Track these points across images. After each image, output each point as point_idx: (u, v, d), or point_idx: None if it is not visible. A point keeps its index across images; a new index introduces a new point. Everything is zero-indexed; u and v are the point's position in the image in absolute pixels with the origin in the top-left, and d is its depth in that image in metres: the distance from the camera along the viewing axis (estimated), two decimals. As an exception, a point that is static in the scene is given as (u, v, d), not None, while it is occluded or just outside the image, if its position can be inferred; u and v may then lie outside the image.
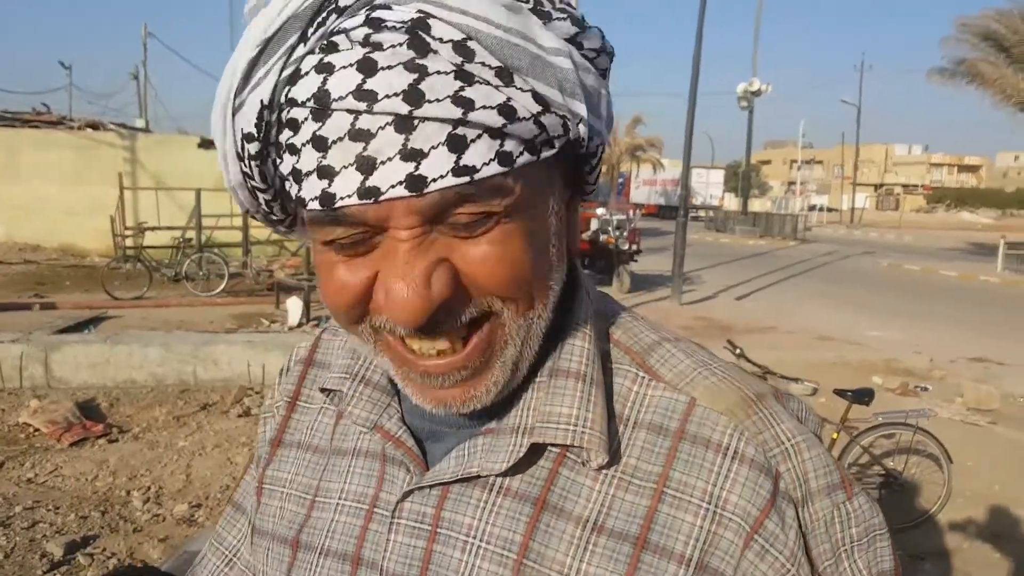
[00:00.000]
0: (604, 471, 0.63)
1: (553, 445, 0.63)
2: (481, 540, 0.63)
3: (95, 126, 19.42)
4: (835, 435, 4.79)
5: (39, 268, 15.18)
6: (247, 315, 10.49)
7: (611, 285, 14.52)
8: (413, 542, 0.65)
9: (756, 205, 56.81)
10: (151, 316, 10.12)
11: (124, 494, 4.78)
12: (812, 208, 57.63)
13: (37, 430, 5.74)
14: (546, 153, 0.57)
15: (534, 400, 0.65)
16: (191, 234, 14.36)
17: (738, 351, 4.89)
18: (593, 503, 0.62)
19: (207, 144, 18.18)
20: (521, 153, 0.54)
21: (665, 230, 31.09)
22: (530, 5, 0.54)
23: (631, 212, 16.30)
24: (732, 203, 51.89)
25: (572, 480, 0.63)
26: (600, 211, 15.68)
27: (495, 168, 0.53)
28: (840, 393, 4.68)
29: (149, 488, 4.86)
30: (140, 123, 24.50)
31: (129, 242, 14.05)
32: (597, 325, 0.68)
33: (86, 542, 4.11)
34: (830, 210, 62.50)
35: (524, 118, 0.53)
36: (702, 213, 48.11)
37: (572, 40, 0.56)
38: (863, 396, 4.57)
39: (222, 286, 12.36)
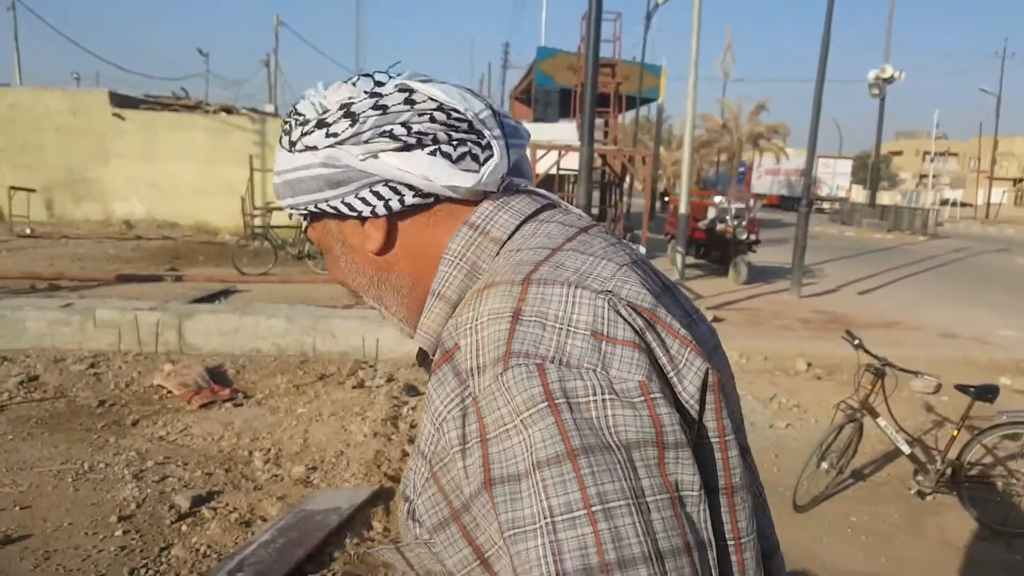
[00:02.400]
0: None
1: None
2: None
3: (228, 110, 20.36)
4: (955, 432, 4.58)
5: (175, 244, 16.08)
6: (364, 293, 10.81)
7: (727, 276, 14.25)
8: None
9: (885, 198, 54.30)
10: (275, 291, 10.58)
11: (246, 454, 5.04)
12: (944, 203, 54.66)
13: (170, 392, 6.12)
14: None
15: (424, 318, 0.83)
16: (314, 215, 14.90)
17: (856, 342, 4.72)
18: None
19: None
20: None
21: (787, 221, 30.20)
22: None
23: (750, 201, 15.90)
24: (860, 195, 49.77)
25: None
26: (717, 199, 15.36)
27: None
28: (962, 389, 4.46)
29: (269, 450, 5.11)
30: (270, 108, 25.49)
31: (257, 221, 14.67)
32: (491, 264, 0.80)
33: (211, 497, 4.36)
34: (964, 205, 59.08)
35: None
36: (827, 205, 46.35)
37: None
38: (987, 393, 4.33)
39: (341, 265, 12.78)
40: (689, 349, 0.69)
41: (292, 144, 0.85)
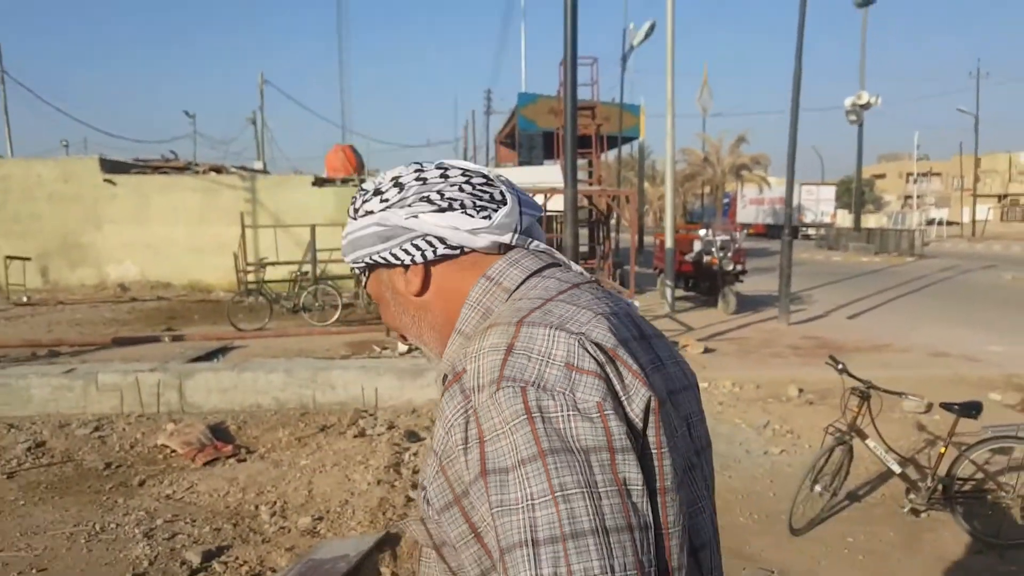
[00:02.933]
0: None
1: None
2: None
3: (218, 170, 20.62)
4: (943, 449, 4.72)
5: (170, 304, 16.21)
6: (360, 343, 10.95)
7: (716, 307, 14.43)
8: None
9: (872, 221, 54.82)
10: (273, 345, 10.70)
11: (253, 508, 5.14)
12: (931, 222, 55.15)
13: (173, 451, 6.22)
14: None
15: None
16: (307, 268, 15.05)
17: (840, 366, 4.86)
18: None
19: (320, 183, 19.06)
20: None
21: (774, 250, 30.36)
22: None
23: (735, 232, 16.15)
24: (845, 220, 50.24)
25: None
26: (702, 232, 15.61)
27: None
28: (947, 407, 4.61)
29: (275, 503, 5.21)
30: (258, 165, 25.79)
31: (251, 277, 14.78)
32: (500, 308, 1.02)
33: (221, 551, 4.46)
34: (950, 224, 59.66)
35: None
36: (813, 231, 46.77)
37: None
38: (970, 409, 4.48)
39: (336, 316, 12.92)
40: (638, 380, 0.88)
41: (356, 211, 1.11)
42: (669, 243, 15.05)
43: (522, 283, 1.03)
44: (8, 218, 18.66)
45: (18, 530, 4.79)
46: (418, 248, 1.06)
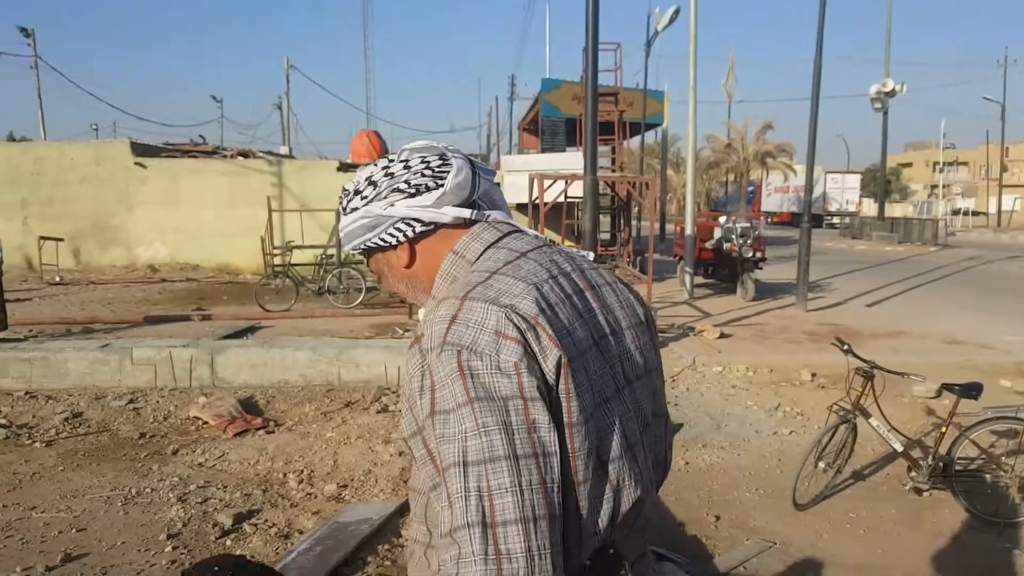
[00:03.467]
0: None
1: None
2: None
3: (245, 154, 20.96)
4: (944, 429, 4.88)
5: (199, 285, 16.57)
6: (383, 325, 11.21)
7: (735, 294, 14.56)
8: None
9: (897, 210, 54.35)
10: (299, 326, 10.98)
11: (281, 476, 5.40)
12: (956, 212, 54.57)
13: (206, 423, 6.50)
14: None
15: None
16: (332, 251, 15.33)
17: (845, 347, 5.02)
18: None
19: (345, 168, 19.33)
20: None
21: (797, 238, 30.37)
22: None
23: (756, 220, 16.22)
24: (871, 209, 49.87)
25: None
26: (722, 219, 15.70)
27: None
28: (948, 387, 4.76)
29: (302, 471, 5.47)
30: (284, 150, 26.16)
31: (277, 260, 15.09)
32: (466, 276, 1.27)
33: (251, 514, 4.72)
34: (976, 214, 58.97)
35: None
36: (837, 220, 46.50)
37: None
38: (971, 390, 4.63)
39: (360, 299, 13.19)
40: (552, 343, 1.14)
41: (344, 209, 1.37)
42: (689, 230, 15.17)
43: (480, 255, 1.29)
44: (42, 200, 19.11)
45: (58, 493, 5.07)
46: (400, 231, 1.32)
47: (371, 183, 1.33)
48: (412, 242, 1.35)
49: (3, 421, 6.53)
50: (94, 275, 17.95)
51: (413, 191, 1.30)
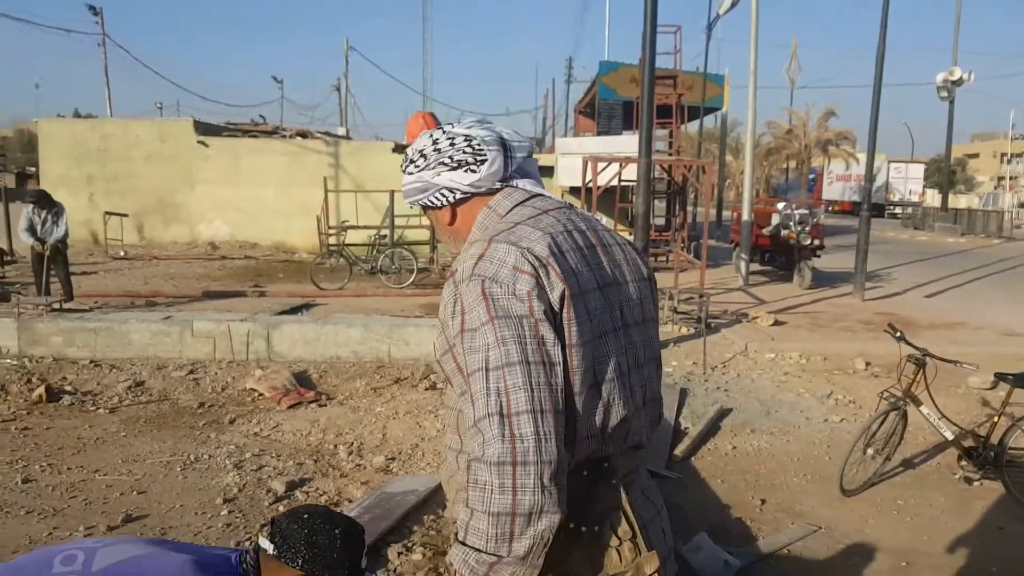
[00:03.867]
0: None
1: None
2: None
3: (304, 135, 21.27)
4: (996, 419, 4.79)
5: (257, 263, 16.93)
6: (433, 305, 11.31)
7: (791, 281, 14.34)
8: None
9: (962, 202, 52.74)
10: (351, 304, 11.16)
11: (332, 447, 5.54)
12: (1023, 205, 52.79)
13: (261, 394, 6.68)
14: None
15: None
16: (385, 232, 15.53)
17: (898, 334, 4.95)
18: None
19: (400, 149, 19.51)
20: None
21: (858, 228, 29.74)
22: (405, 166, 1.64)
23: (814, 207, 15.95)
24: (935, 199, 48.51)
25: None
26: (780, 206, 15.47)
27: None
28: (1001, 377, 4.67)
29: (352, 443, 5.61)
30: (341, 131, 26.46)
31: (332, 240, 15.36)
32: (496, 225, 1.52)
33: (303, 482, 4.86)
34: (1047, 206, 56.93)
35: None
36: (899, 210, 45.38)
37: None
38: (1025, 379, 4.54)
39: (411, 279, 13.36)
40: (558, 279, 1.39)
41: (404, 171, 1.64)
42: (746, 216, 14.99)
43: (510, 210, 1.55)
44: (108, 176, 19.67)
45: (120, 458, 5.28)
46: (444, 196, 1.59)
47: (423, 155, 1.58)
48: (454, 206, 1.61)
49: (69, 388, 6.81)
50: (157, 251, 18.45)
51: (455, 165, 1.54)
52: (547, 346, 1.33)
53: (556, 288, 1.38)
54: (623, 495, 1.46)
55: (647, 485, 1.61)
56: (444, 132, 1.58)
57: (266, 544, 1.81)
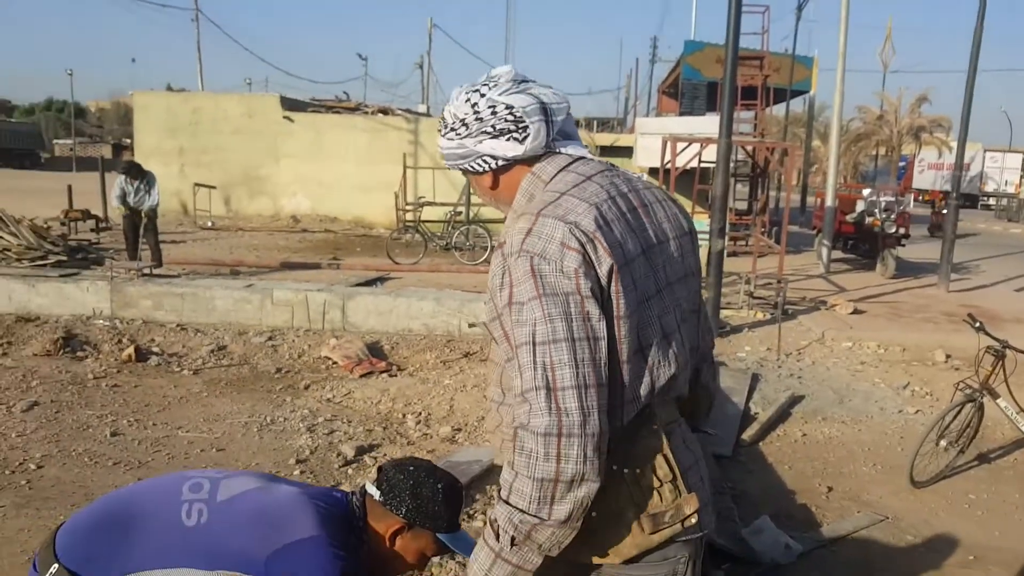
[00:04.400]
0: None
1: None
2: None
3: (385, 111, 21.55)
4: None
5: (336, 237, 17.30)
6: (508, 282, 11.39)
7: (874, 270, 13.95)
8: None
9: (1065, 193, 50.24)
10: (425, 279, 11.33)
11: (400, 416, 5.69)
12: None
13: (335, 363, 6.89)
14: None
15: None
16: (461, 209, 15.67)
17: (977, 324, 4.80)
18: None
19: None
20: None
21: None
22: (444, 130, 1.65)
23: (901, 195, 15.44)
24: (1034, 191, 46.30)
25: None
26: (866, 192, 15.02)
27: None
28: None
29: (420, 413, 5.74)
30: (422, 108, 26.68)
31: (409, 216, 15.58)
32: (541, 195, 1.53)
33: (371, 448, 5.01)
34: None
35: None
36: (993, 201, 43.48)
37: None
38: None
39: (485, 256, 13.45)
40: (606, 254, 1.41)
41: (443, 136, 1.64)
42: (830, 202, 14.62)
43: (554, 176, 1.56)
44: (198, 148, 20.30)
45: (201, 416, 5.53)
46: (486, 162, 1.60)
47: (464, 123, 1.58)
48: (496, 172, 1.62)
49: (156, 349, 7.13)
50: (242, 222, 19.00)
51: (497, 132, 1.54)
52: (592, 321, 1.38)
53: (604, 263, 1.41)
54: (664, 440, 1.54)
55: (687, 435, 1.68)
56: (484, 97, 1.56)
57: (372, 490, 1.97)
